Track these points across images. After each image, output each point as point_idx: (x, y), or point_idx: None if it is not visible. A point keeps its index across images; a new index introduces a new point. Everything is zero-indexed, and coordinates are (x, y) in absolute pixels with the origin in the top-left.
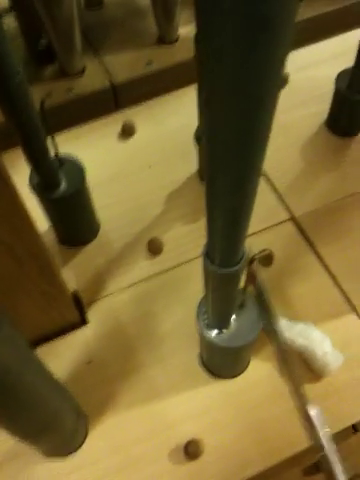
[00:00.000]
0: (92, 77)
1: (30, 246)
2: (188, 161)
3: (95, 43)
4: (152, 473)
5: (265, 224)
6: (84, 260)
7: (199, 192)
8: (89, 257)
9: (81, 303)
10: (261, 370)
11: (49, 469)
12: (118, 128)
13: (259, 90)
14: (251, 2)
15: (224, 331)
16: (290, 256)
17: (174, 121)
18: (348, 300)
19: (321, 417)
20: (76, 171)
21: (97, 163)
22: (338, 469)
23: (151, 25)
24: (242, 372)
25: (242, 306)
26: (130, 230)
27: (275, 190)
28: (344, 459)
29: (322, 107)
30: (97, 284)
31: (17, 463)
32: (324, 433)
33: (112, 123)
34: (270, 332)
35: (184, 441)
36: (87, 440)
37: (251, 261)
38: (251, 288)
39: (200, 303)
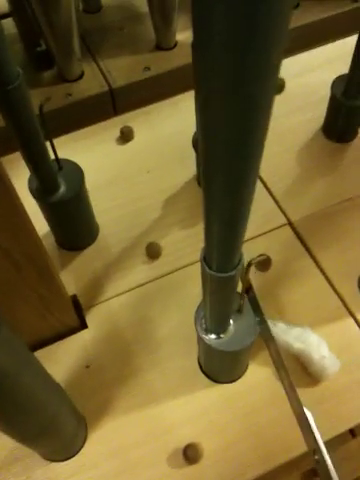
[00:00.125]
0: (90, 82)
1: (29, 250)
2: (186, 166)
3: (93, 48)
4: (151, 477)
5: (262, 229)
6: (83, 264)
7: (197, 197)
8: (88, 261)
9: (80, 307)
10: (259, 374)
11: (48, 473)
12: (116, 133)
13: (254, 95)
14: (243, 6)
15: (222, 335)
16: (287, 261)
17: (172, 126)
18: (345, 304)
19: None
20: (75, 175)
21: (95, 167)
22: (333, 473)
23: (149, 31)
24: (240, 376)
25: (240, 311)
26: (128, 234)
27: (272, 195)
28: (342, 464)
29: (318, 113)
30: (95, 288)
31: (16, 467)
32: (319, 435)
33: (110, 128)
34: (265, 336)
35: (182, 445)
36: (86, 444)
37: (247, 267)
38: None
39: (198, 307)
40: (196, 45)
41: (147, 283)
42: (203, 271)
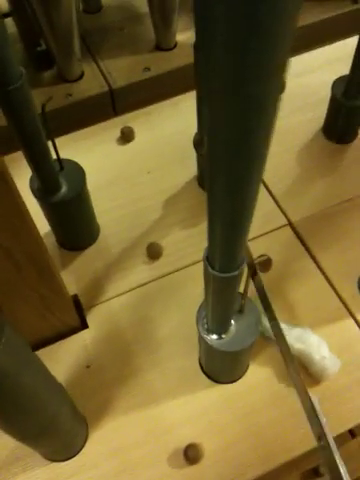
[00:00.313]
0: (90, 82)
1: (30, 250)
2: (187, 166)
3: (93, 48)
4: (151, 477)
5: (262, 230)
6: (83, 264)
7: (198, 197)
8: (88, 261)
9: (81, 307)
10: (260, 375)
11: (49, 473)
12: (117, 133)
13: (256, 95)
14: (245, 7)
15: (223, 336)
16: (287, 261)
17: (173, 127)
18: (345, 305)
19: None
20: (76, 175)
21: (96, 168)
22: (339, 460)
23: (149, 31)
24: (241, 377)
25: (241, 311)
26: (129, 234)
27: (272, 196)
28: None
29: (318, 113)
30: (96, 288)
31: (17, 467)
32: (325, 422)
33: (111, 128)
34: (276, 332)
35: (183, 445)
36: (87, 444)
37: (254, 266)
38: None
39: (200, 307)
40: (198, 46)
41: (148, 283)
42: (206, 271)
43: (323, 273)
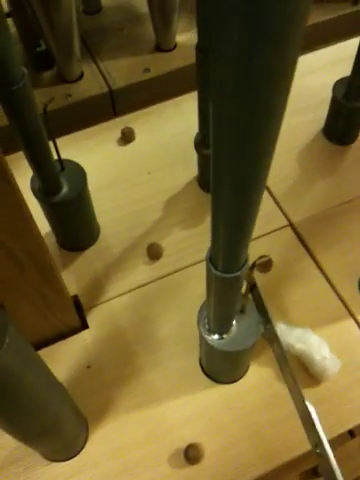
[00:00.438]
0: (90, 83)
1: (32, 250)
2: (187, 167)
3: (93, 49)
4: (152, 477)
5: (263, 230)
6: (84, 264)
7: (198, 198)
8: (89, 261)
9: (81, 307)
10: (260, 375)
11: (50, 473)
12: (117, 134)
13: (268, 97)
14: (254, 10)
15: (225, 336)
16: (288, 262)
17: (173, 127)
18: (345, 305)
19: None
20: (77, 176)
21: (97, 168)
22: (336, 466)
23: (149, 32)
24: (241, 377)
25: (242, 311)
26: (130, 235)
27: (272, 196)
28: (341, 464)
29: (319, 115)
30: (96, 289)
31: (18, 467)
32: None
33: (111, 129)
34: (270, 335)
35: (183, 445)
36: (87, 444)
37: (252, 267)
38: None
39: (201, 308)
40: (202, 47)
41: (148, 284)
42: (208, 271)
43: (323, 274)
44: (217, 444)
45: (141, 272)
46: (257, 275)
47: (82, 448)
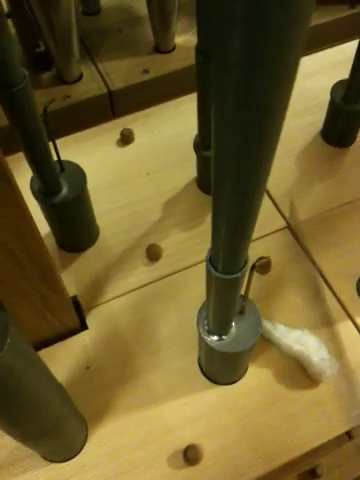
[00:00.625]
0: (89, 84)
1: (32, 250)
2: (186, 168)
3: (92, 50)
4: (151, 478)
5: (261, 232)
6: (83, 265)
7: (197, 199)
8: (88, 262)
9: (80, 308)
10: (259, 376)
11: (48, 474)
12: (117, 135)
13: (271, 99)
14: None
15: (224, 337)
16: (286, 263)
17: (172, 129)
18: (344, 307)
19: None
20: (77, 177)
21: (96, 169)
22: None
23: (148, 33)
24: (240, 378)
25: (242, 312)
26: (129, 236)
27: (271, 198)
28: (339, 466)
29: (317, 117)
30: (96, 289)
31: (17, 468)
32: None
33: (111, 130)
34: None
35: (182, 446)
36: (86, 445)
37: (252, 268)
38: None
39: (201, 309)
40: (202, 49)
41: (147, 285)
42: (208, 272)
43: (322, 275)
44: (216, 445)
45: (140, 273)
46: (256, 276)
47: (81, 449)
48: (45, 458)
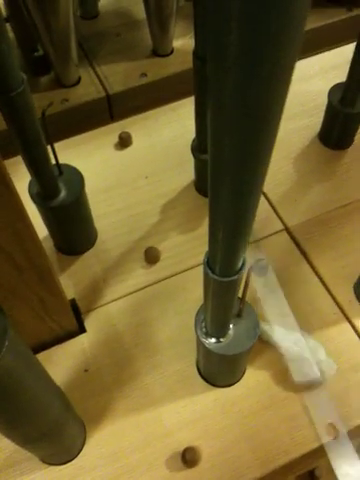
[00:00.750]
0: (87, 88)
1: (31, 254)
2: (184, 171)
3: (90, 54)
4: None
5: (259, 235)
6: (81, 268)
7: (195, 202)
8: (86, 265)
9: (79, 311)
10: (256, 378)
11: (47, 476)
12: (115, 138)
13: (267, 101)
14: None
15: (222, 339)
16: (284, 266)
17: (170, 132)
18: (341, 309)
19: None
20: (75, 180)
21: (94, 173)
22: None
23: (146, 37)
24: (238, 380)
25: (239, 315)
26: (127, 239)
27: (268, 201)
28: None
29: (314, 120)
30: (94, 292)
31: (14, 471)
32: None
33: (109, 133)
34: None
35: (181, 448)
36: (85, 447)
37: (249, 272)
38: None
39: (198, 311)
40: (199, 54)
41: (145, 287)
42: (205, 275)
43: (319, 278)
44: (214, 447)
45: (138, 276)
46: (254, 279)
47: (79, 451)
48: (44, 461)
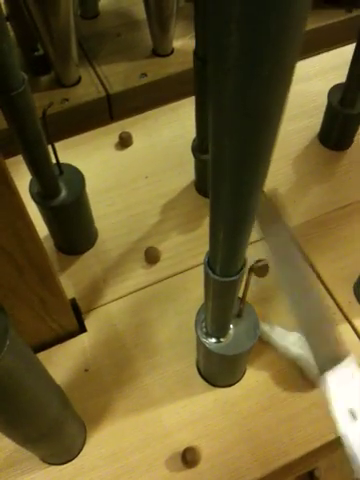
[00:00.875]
0: (87, 88)
1: (31, 254)
2: (184, 171)
3: (90, 54)
4: None
5: (259, 235)
6: (82, 268)
7: (195, 202)
8: (87, 265)
9: (79, 311)
10: (256, 379)
11: (47, 476)
12: (115, 138)
13: (264, 103)
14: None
15: (222, 340)
16: None
17: (171, 132)
18: (341, 310)
19: None
20: (76, 180)
21: (94, 173)
22: None
23: (146, 37)
24: (238, 381)
25: (239, 315)
26: (127, 239)
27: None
28: (338, 469)
29: (314, 121)
30: (94, 292)
31: (14, 471)
32: None
33: (109, 133)
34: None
35: (181, 449)
36: (85, 447)
37: (250, 271)
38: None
39: (199, 311)
40: (199, 55)
41: (145, 287)
42: (206, 275)
43: (319, 278)
44: (214, 447)
45: (139, 276)
46: (254, 279)
47: (80, 451)
48: (44, 460)
